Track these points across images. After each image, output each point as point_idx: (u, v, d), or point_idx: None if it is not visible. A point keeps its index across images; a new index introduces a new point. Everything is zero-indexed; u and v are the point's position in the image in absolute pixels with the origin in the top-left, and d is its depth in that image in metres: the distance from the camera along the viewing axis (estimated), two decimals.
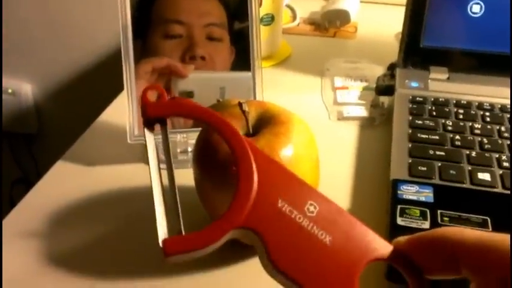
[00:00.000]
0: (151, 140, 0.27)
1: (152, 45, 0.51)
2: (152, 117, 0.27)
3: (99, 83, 0.99)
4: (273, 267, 0.23)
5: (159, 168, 0.27)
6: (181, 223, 0.25)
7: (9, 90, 1.13)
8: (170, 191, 0.26)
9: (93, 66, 1.08)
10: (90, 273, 0.41)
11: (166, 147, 0.27)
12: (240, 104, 0.40)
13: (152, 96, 0.28)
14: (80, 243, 0.44)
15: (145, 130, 0.27)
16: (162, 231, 0.24)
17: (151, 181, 0.26)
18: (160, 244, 0.24)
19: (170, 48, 0.51)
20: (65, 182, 0.51)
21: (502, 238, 0.22)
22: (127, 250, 0.43)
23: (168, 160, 0.27)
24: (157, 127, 0.28)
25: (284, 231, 0.24)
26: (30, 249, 0.43)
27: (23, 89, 1.13)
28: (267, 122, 0.41)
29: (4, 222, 0.46)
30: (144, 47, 0.51)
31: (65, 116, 1.14)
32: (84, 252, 0.43)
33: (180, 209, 0.25)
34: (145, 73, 0.51)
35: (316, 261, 0.24)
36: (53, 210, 0.47)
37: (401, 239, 0.26)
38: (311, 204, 0.25)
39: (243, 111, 0.40)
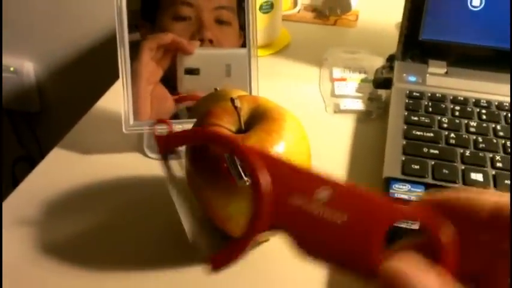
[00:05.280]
0: (169, 166, 0.30)
1: (161, 28, 0.51)
2: (167, 149, 0.30)
3: (101, 62, 0.98)
4: (305, 254, 0.25)
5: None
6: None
7: (11, 69, 1.13)
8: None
9: (95, 45, 1.07)
10: (85, 261, 0.42)
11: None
12: (232, 100, 0.40)
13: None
14: (74, 231, 0.44)
15: (163, 162, 0.30)
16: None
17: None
18: (208, 263, 0.25)
19: (179, 31, 0.51)
20: (59, 171, 0.51)
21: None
22: (122, 239, 0.44)
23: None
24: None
25: (301, 223, 0.26)
26: (25, 237, 0.44)
27: (25, 67, 1.13)
28: (259, 118, 0.41)
29: None
30: (153, 30, 0.51)
31: (67, 95, 1.14)
32: (79, 240, 0.44)
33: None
34: (151, 49, 0.50)
35: (335, 242, 0.25)
36: (47, 198, 0.47)
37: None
38: (321, 191, 0.26)
39: (235, 107, 0.40)
